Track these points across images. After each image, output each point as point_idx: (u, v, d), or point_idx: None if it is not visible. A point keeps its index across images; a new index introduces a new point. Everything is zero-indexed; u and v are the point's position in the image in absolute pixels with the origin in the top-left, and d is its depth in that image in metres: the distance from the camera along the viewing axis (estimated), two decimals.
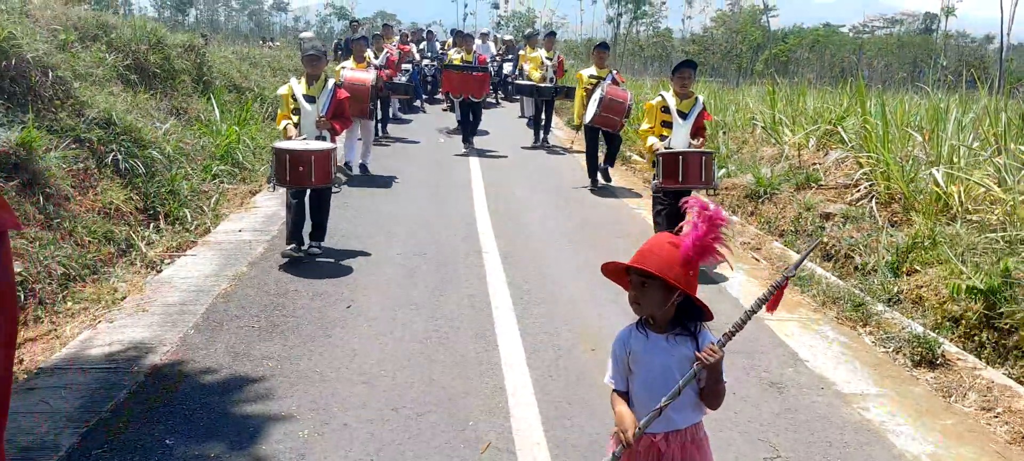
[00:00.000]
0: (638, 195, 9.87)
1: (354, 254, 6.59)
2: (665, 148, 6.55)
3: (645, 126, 6.89)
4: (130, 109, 8.32)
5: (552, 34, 14.51)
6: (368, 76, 9.97)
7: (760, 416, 3.88)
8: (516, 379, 4.18)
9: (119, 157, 7.12)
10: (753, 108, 13.71)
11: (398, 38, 17.55)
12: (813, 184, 8.48)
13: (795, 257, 6.82)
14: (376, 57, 12.81)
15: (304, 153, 5.96)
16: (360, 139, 10.22)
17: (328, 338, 4.69)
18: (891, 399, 4.16)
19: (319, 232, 6.52)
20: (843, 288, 5.87)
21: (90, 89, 8.03)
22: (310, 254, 6.35)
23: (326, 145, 6.23)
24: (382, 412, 3.75)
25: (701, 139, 6.70)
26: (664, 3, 62.85)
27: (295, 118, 6.63)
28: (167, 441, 3.44)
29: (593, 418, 3.77)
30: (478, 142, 12.68)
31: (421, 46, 19.60)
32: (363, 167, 10.19)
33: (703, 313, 2.31)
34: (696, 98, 6.78)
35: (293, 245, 6.23)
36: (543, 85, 12.92)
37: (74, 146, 6.85)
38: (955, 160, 7.52)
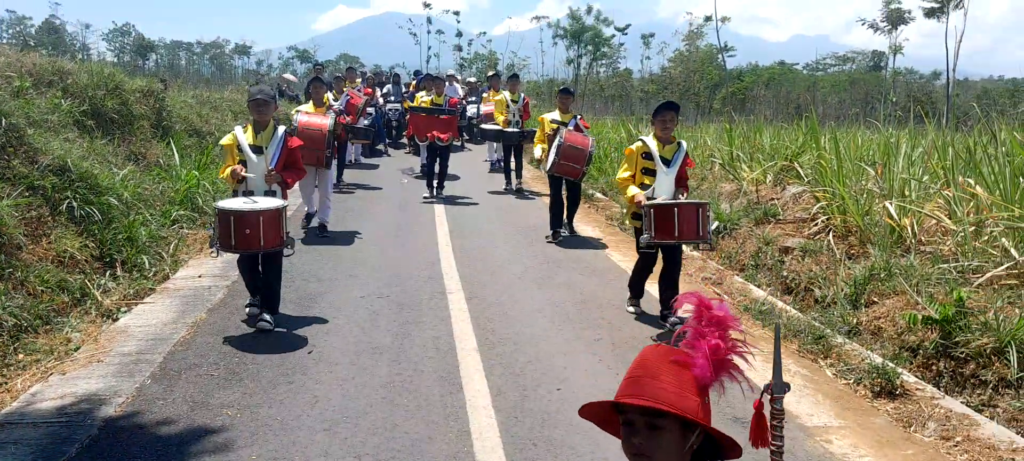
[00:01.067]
0: (602, 234, 9.94)
1: (316, 297, 6.51)
2: (648, 198, 5.93)
3: (624, 173, 6.21)
4: (86, 155, 8.19)
5: (515, 76, 14.20)
6: (325, 121, 8.99)
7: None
8: (481, 422, 4.14)
9: (74, 204, 6.98)
10: (711, 145, 13.97)
11: (361, 81, 17.14)
12: (771, 218, 8.63)
13: (758, 293, 6.91)
14: (336, 100, 12.11)
15: (250, 214, 5.26)
16: (316, 186, 9.15)
17: (289, 385, 4.61)
18: (853, 431, 4.21)
19: (271, 302, 5.75)
20: (804, 321, 5.96)
21: (45, 136, 7.88)
22: (261, 330, 5.56)
23: (276, 202, 5.53)
24: (344, 460, 3.68)
25: (685, 190, 6.18)
26: (623, 45, 64.01)
27: (240, 171, 5.85)
28: None
29: (558, 457, 3.75)
30: (447, 188, 12.34)
31: (386, 89, 19.42)
32: (322, 226, 9.08)
33: (723, 451, 1.65)
34: (679, 143, 6.19)
35: (258, 296, 5.76)
36: (508, 130, 12.62)
37: (27, 194, 6.70)
38: (907, 193, 7.73)
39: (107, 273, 6.73)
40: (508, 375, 4.84)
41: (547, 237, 9.23)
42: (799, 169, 9.96)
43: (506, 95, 12.93)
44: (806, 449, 3.96)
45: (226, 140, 6.02)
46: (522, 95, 13.09)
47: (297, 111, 9.52)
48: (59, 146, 7.79)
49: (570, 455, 3.79)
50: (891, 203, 7.39)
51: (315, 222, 9.18)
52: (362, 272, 7.40)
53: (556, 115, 9.73)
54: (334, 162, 10.31)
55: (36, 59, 10.36)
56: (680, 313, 5.35)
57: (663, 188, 6.03)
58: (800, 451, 3.93)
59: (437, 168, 11.93)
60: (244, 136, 5.91)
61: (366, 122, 14.49)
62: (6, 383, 4.59)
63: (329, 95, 11.57)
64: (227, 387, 4.55)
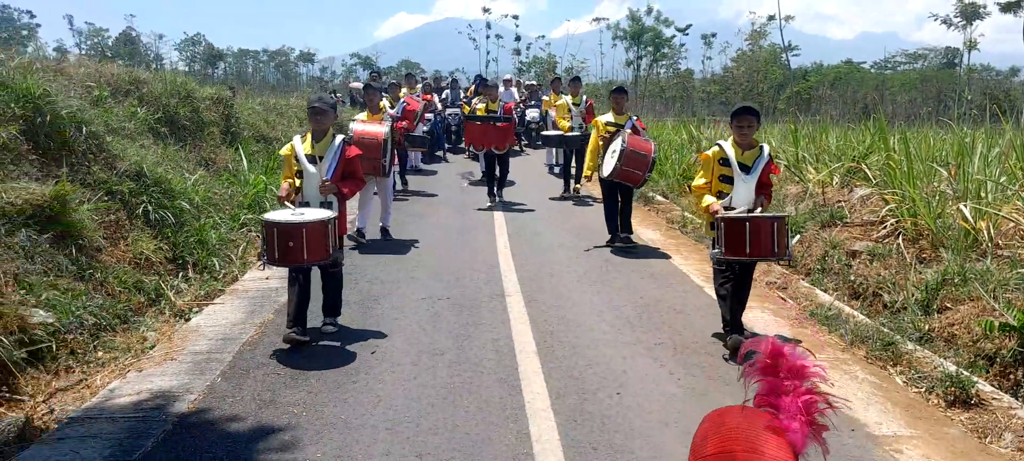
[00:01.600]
0: (663, 238, 9.84)
1: (378, 298, 6.63)
2: (725, 209, 5.42)
3: (700, 181, 5.71)
4: (160, 161, 8.52)
5: (577, 79, 13.62)
6: (381, 129, 8.75)
7: None
8: (540, 424, 4.15)
9: (149, 208, 7.27)
10: (776, 146, 13.70)
11: (420, 87, 16.98)
12: (838, 221, 8.41)
13: (824, 297, 6.75)
14: (393, 106, 11.92)
15: (293, 226, 5.02)
16: (376, 194, 9.32)
17: (353, 384, 4.71)
18: (924, 441, 4.07)
19: (330, 310, 5.82)
20: (872, 327, 5.79)
21: (122, 142, 8.23)
22: (323, 332, 5.69)
23: (321, 214, 5.25)
24: (406, 459, 3.74)
25: (765, 198, 5.55)
26: (683, 45, 63.25)
27: (298, 181, 5.71)
28: None
29: None
30: (505, 193, 12.13)
31: (445, 95, 19.23)
32: (384, 230, 9.23)
33: None
34: (760, 148, 5.59)
35: (296, 328, 5.33)
36: (570, 134, 12.26)
37: (106, 198, 7.01)
38: (983, 195, 7.44)
39: (180, 274, 6.99)
40: (567, 378, 4.84)
41: (607, 244, 8.95)
42: (867, 170, 9.68)
43: (567, 99, 12.71)
44: (875, 459, 3.84)
45: (284, 150, 5.89)
46: (584, 97, 12.79)
47: (353, 119, 9.30)
48: (135, 152, 8.12)
49: (630, 459, 3.77)
50: (966, 205, 7.12)
51: (376, 231, 9.15)
52: (422, 275, 7.50)
53: (610, 117, 9.25)
54: (395, 169, 10.34)
55: (114, 69, 10.83)
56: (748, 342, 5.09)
57: (741, 197, 5.47)
58: (869, 460, 3.82)
59: (496, 174, 11.75)
60: (301, 146, 5.72)
61: (425, 128, 14.37)
62: (87, 379, 4.81)
63: (385, 102, 11.50)
64: (293, 386, 4.67)
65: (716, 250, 5.36)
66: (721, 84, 56.71)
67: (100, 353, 5.22)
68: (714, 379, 4.88)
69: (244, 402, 4.42)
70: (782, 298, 6.92)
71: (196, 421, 4.19)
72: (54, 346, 4.97)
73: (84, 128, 7.44)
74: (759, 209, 5.40)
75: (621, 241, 8.88)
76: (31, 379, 4.64)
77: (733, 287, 5.46)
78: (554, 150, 15.63)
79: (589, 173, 9.31)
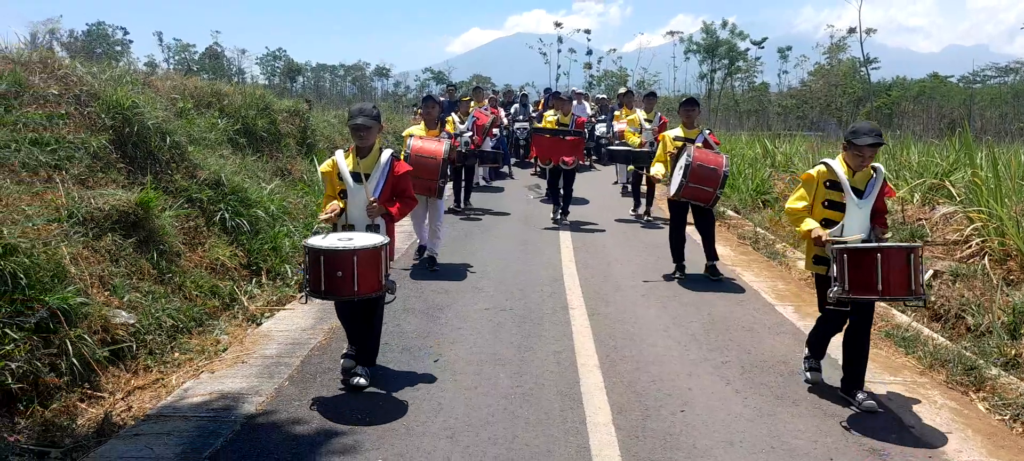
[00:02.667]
0: (734, 253, 9.63)
1: (442, 307, 6.69)
2: (834, 238, 4.60)
3: (799, 203, 4.83)
4: (238, 170, 8.83)
5: (652, 94, 12.46)
6: (439, 146, 7.95)
7: None
8: (601, 439, 4.10)
9: (226, 216, 7.54)
10: None
11: (487, 102, 16.53)
12: (919, 239, 8.07)
13: (902, 318, 6.47)
14: (462, 122, 11.52)
15: (343, 253, 4.38)
16: (423, 219, 8.48)
17: (415, 392, 4.75)
18: None
19: (366, 355, 5.03)
20: (953, 350, 5.52)
21: (202, 152, 8.58)
22: (353, 387, 4.81)
23: (372, 239, 4.59)
24: None
25: (881, 227, 4.73)
26: (759, 58, 62.01)
27: (341, 202, 5.03)
28: None
29: None
30: (572, 212, 11.59)
31: (513, 109, 19.08)
32: (430, 259, 8.33)
33: None
34: (874, 169, 4.73)
35: (356, 347, 5.05)
36: (640, 150, 11.45)
37: (186, 205, 7.30)
38: None
39: (253, 280, 7.21)
40: (630, 393, 4.77)
41: (674, 275, 8.05)
42: (950, 188, 9.28)
43: (640, 114, 11.98)
44: None
45: (325, 166, 5.21)
46: (658, 114, 11.98)
47: (410, 135, 8.33)
48: (215, 162, 8.45)
49: None
50: None
51: (424, 255, 8.45)
52: (486, 285, 7.53)
53: (679, 132, 8.33)
54: (448, 187, 9.42)
55: (197, 83, 11.31)
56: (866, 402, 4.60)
57: (854, 226, 4.64)
58: None
59: (561, 191, 11.13)
60: (345, 162, 5.06)
61: (492, 143, 13.96)
62: (163, 378, 5.00)
63: (455, 118, 11.32)
64: (357, 392, 4.75)
65: (836, 288, 4.42)
66: (798, 98, 55.32)
67: (176, 354, 5.42)
68: (782, 399, 4.73)
69: (309, 406, 4.52)
70: None
71: (263, 422, 4.30)
72: (134, 346, 5.19)
73: (168, 138, 7.78)
74: (881, 239, 4.62)
75: (707, 271, 8.07)
76: (111, 377, 4.86)
77: (849, 334, 4.70)
78: (620, 167, 15.12)
79: (659, 175, 8.21)
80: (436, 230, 8.36)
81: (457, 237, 9.83)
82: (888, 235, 4.66)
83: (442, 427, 4.23)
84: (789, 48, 66.79)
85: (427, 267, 8.19)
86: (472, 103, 13.09)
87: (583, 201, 13.10)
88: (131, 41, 65.33)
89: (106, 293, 5.52)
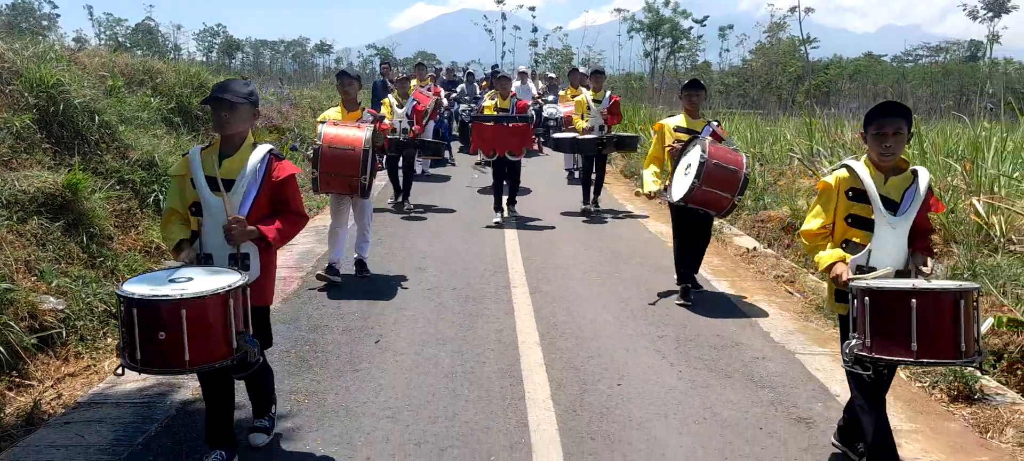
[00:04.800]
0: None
1: (383, 290, 6.66)
2: (860, 270, 3.37)
3: (815, 223, 3.58)
4: (173, 150, 8.59)
5: (599, 72, 10.82)
6: (359, 134, 6.34)
7: (787, 453, 3.81)
8: (539, 414, 4.17)
9: (161, 197, 7.35)
10: (791, 140, 13.60)
11: (432, 80, 15.38)
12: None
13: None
14: (402, 105, 9.91)
15: (165, 305, 2.94)
16: (348, 226, 7.08)
17: (355, 373, 4.75)
18: (925, 435, 4.05)
19: (261, 405, 3.90)
20: None
21: (134, 132, 8.33)
22: (252, 444, 3.80)
23: (216, 281, 3.11)
24: (404, 447, 3.78)
25: (925, 254, 3.46)
26: (701, 37, 62.85)
27: (195, 222, 3.54)
28: None
29: (615, 452, 3.74)
30: (519, 205, 10.24)
31: (459, 89, 17.86)
32: (359, 263, 7.12)
33: None
34: (914, 173, 3.47)
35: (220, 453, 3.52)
36: (585, 137, 10.15)
37: (118, 187, 7.10)
38: (996, 190, 7.37)
39: None
40: (569, 369, 4.85)
41: (676, 298, 6.53)
42: None
43: (587, 94, 10.47)
44: None
45: (176, 168, 3.68)
46: (608, 93, 10.45)
47: (322, 121, 6.71)
48: (148, 142, 8.22)
49: (627, 450, 3.78)
50: (978, 200, 7.06)
51: (338, 265, 6.86)
52: (430, 265, 7.53)
53: (681, 120, 6.62)
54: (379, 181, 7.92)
55: (128, 59, 10.95)
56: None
57: (886, 251, 3.39)
58: None
59: (506, 183, 9.82)
60: (200, 164, 3.50)
61: (433, 127, 12.71)
62: (95, 365, 4.89)
63: (391, 99, 10.01)
64: (296, 374, 4.72)
65: (853, 342, 3.20)
66: (739, 76, 56.31)
67: (109, 340, 5.29)
68: (715, 371, 4.87)
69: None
70: (789, 291, 6.89)
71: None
72: (64, 332, 5.05)
73: (97, 117, 7.53)
74: (925, 277, 3.31)
75: (681, 285, 6.60)
76: (41, 364, 4.72)
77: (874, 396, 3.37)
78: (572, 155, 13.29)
79: (648, 191, 6.65)
80: (363, 231, 7.12)
81: (395, 235, 9.57)
82: (931, 268, 3.37)
83: (383, 407, 4.24)
84: (730, 27, 67.82)
85: (357, 274, 7.06)
86: (414, 81, 12.08)
87: (525, 191, 11.77)
88: (58, 16, 62.42)
89: (33, 279, 5.36)
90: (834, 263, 3.42)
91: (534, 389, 4.51)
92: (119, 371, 3.10)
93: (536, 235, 9.07)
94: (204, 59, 62.53)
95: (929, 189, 3.48)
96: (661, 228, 9.71)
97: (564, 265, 7.67)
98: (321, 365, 4.87)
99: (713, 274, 7.45)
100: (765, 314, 6.19)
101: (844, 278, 3.33)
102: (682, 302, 6.42)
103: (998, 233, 6.60)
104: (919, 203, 3.41)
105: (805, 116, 14.29)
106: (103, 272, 6.05)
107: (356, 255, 7.15)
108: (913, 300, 3.01)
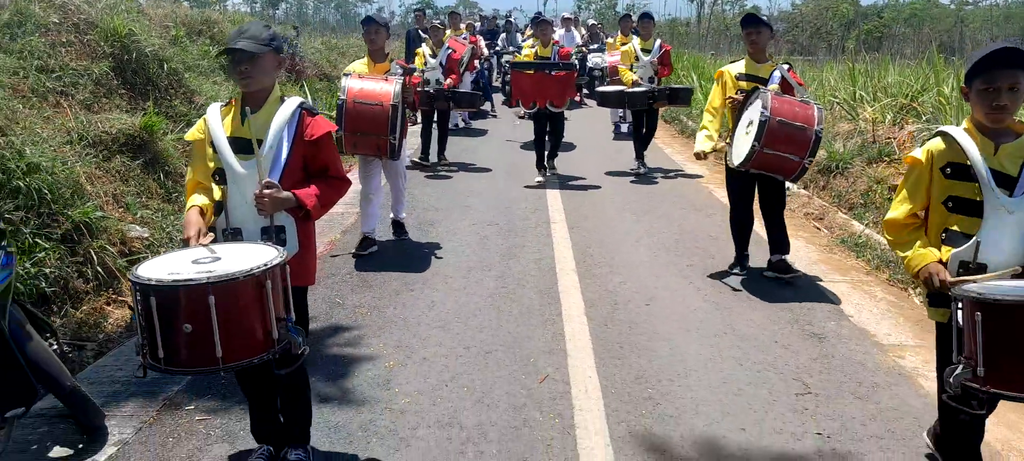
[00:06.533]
0: (710, 173, 10.06)
1: (434, 222, 7.16)
2: (966, 269, 2.66)
3: (901, 210, 2.83)
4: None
5: (648, 16, 9.93)
6: (388, 88, 5.72)
7: (797, 361, 4.22)
8: (574, 326, 4.65)
9: None
10: (834, 85, 13.63)
11: (466, 29, 14.64)
12: (885, 158, 8.54)
13: (858, 227, 6.99)
14: (435, 55, 9.36)
15: (189, 291, 2.42)
16: (378, 191, 6.44)
17: (411, 292, 5.28)
18: (928, 349, 4.39)
19: (297, 433, 3.24)
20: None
21: (197, 79, 8.91)
22: None
23: (250, 259, 2.57)
24: (455, 349, 4.30)
25: None
26: None
27: (219, 191, 2.99)
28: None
29: (642, 358, 4.21)
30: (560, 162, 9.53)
31: (500, 38, 17.55)
32: (397, 224, 6.74)
33: None
34: None
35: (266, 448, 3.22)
36: (633, 90, 9.29)
37: (186, 129, 7.67)
38: None
39: None
40: (602, 291, 5.31)
41: (732, 281, 5.57)
42: (918, 108, 9.71)
43: (635, 43, 9.63)
44: (877, 362, 4.22)
45: (193, 132, 3.15)
46: (658, 42, 9.68)
47: (347, 74, 6.07)
48: (210, 88, 8.79)
49: (651, 356, 4.24)
50: None
51: (373, 234, 6.33)
52: (475, 203, 8.01)
53: (742, 67, 5.60)
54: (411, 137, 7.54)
55: (186, 10, 11.52)
56: None
57: (1002, 244, 2.63)
58: (871, 363, 4.20)
59: (548, 139, 9.00)
60: (220, 123, 3.03)
61: (471, 79, 12.20)
62: None
63: (425, 49, 9.47)
64: (359, 292, 5.27)
65: (960, 368, 2.39)
66: (788, 22, 55.08)
67: None
68: (738, 296, 5.27)
69: (317, 304, 5.02)
70: (817, 227, 7.21)
71: None
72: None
73: (165, 65, 8.10)
74: None
75: (772, 268, 5.61)
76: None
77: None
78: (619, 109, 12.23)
79: (698, 150, 5.80)
80: (399, 194, 6.69)
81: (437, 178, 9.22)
82: None
83: (435, 319, 4.77)
84: None
85: (395, 236, 6.71)
86: (448, 31, 11.13)
87: (570, 146, 11.06)
88: None
89: (120, 209, 5.97)
90: (927, 266, 2.66)
91: (570, 307, 4.99)
92: (140, 372, 2.49)
93: (579, 195, 8.44)
94: (248, 9, 63.24)
95: None
96: (695, 167, 9.95)
97: (601, 205, 8.05)
98: (380, 285, 5.41)
99: None
100: (792, 248, 6.51)
101: (945, 281, 2.59)
102: (733, 273, 5.65)
103: None
104: None
105: (848, 62, 14.27)
106: (178, 206, 6.64)
107: (393, 216, 6.76)
108: None
